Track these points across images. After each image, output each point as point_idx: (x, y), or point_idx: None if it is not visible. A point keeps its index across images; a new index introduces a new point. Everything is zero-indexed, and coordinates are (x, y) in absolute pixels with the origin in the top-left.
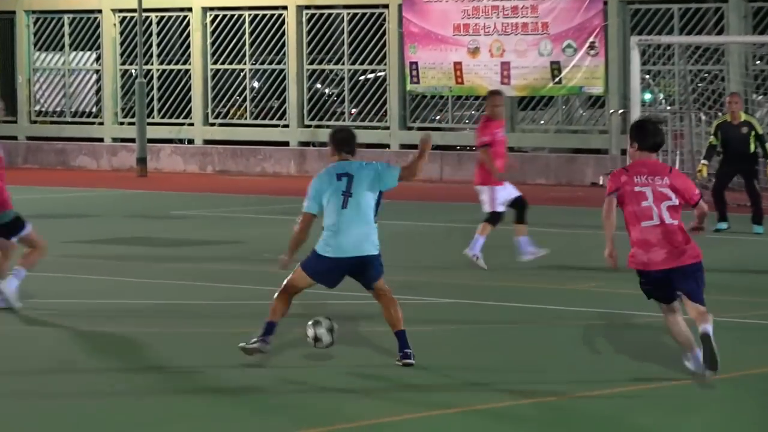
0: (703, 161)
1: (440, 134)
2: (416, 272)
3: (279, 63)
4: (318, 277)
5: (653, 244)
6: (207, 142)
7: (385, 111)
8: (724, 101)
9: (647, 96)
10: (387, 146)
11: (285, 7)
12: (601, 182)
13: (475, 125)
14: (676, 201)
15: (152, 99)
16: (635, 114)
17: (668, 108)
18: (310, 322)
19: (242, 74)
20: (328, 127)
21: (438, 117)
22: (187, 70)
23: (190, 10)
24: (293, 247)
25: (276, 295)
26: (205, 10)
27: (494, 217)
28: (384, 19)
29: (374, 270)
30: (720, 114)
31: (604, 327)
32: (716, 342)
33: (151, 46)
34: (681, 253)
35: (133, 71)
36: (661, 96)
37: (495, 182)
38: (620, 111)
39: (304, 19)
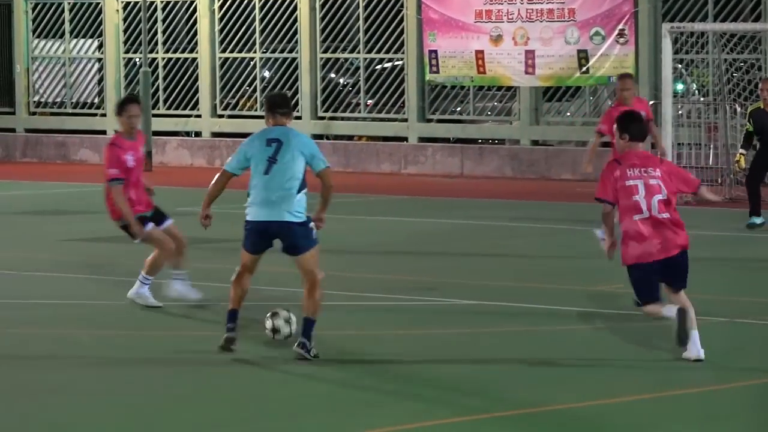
0: (740, 151)
1: (461, 127)
2: (435, 272)
3: (291, 51)
4: (247, 244)
5: (646, 236)
6: (215, 134)
7: (403, 102)
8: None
9: (679, 86)
10: (405, 139)
11: None
12: None
13: (497, 117)
14: (665, 195)
15: (157, 89)
16: (667, 105)
17: (702, 99)
18: (268, 314)
19: (252, 63)
20: (342, 119)
21: (459, 108)
22: (194, 59)
23: None
24: (205, 201)
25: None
26: None
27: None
28: (401, 5)
29: (296, 239)
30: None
31: (628, 330)
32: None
33: (156, 33)
34: (671, 244)
35: (137, 60)
36: (694, 86)
37: None
38: (651, 102)
39: (317, 5)
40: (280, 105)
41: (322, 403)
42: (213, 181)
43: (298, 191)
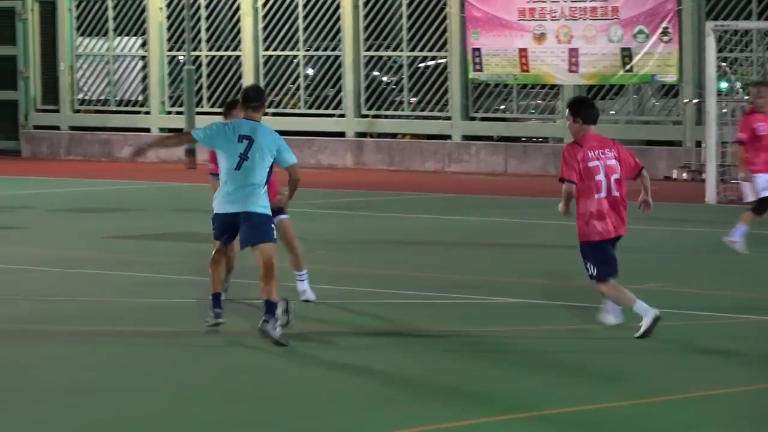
0: None
1: (504, 125)
2: (478, 270)
3: (334, 49)
4: (216, 233)
5: (605, 214)
6: None
7: (446, 100)
8: None
9: (723, 85)
10: (448, 137)
11: None
12: (674, 176)
13: (540, 115)
14: (619, 174)
15: (201, 87)
16: (711, 104)
17: (746, 98)
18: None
19: (296, 61)
20: (386, 117)
21: (502, 107)
22: (237, 57)
23: None
24: (156, 141)
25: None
26: None
27: (761, 205)
28: (445, 3)
29: (258, 228)
30: None
31: (677, 328)
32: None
33: (199, 31)
34: (622, 222)
35: (181, 58)
36: (738, 85)
37: (754, 170)
38: (695, 100)
39: (360, 3)
40: (253, 99)
41: (352, 401)
42: (175, 136)
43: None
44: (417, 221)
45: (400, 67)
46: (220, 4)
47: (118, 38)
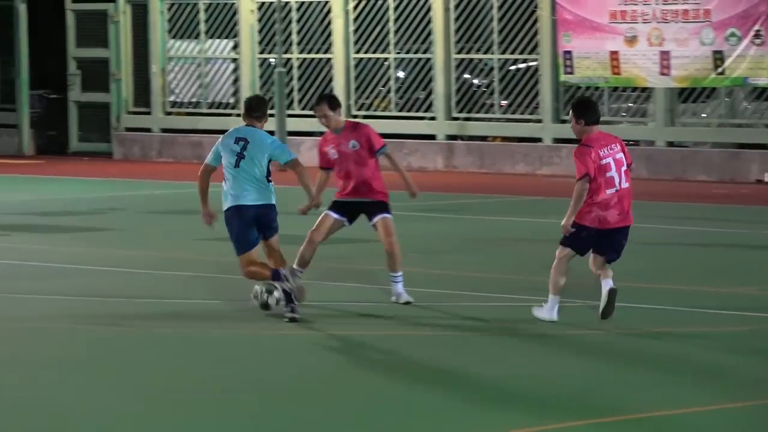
0: None
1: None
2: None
3: (425, 52)
4: (234, 234)
5: (611, 206)
6: None
7: (537, 103)
8: None
9: None
10: (539, 140)
11: None
12: (766, 179)
13: (632, 118)
14: (626, 165)
15: (292, 90)
16: None
17: None
18: (263, 288)
19: (386, 63)
20: (477, 119)
21: None
22: (328, 59)
23: None
24: (201, 199)
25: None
26: None
27: None
28: (536, 6)
29: (273, 222)
30: None
31: (756, 334)
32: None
33: (290, 33)
34: (627, 214)
35: (272, 60)
36: None
37: None
38: None
39: (451, 6)
40: (255, 109)
41: (455, 402)
42: (199, 178)
43: (267, 180)
44: (507, 224)
45: (491, 69)
46: (311, 7)
47: (210, 41)
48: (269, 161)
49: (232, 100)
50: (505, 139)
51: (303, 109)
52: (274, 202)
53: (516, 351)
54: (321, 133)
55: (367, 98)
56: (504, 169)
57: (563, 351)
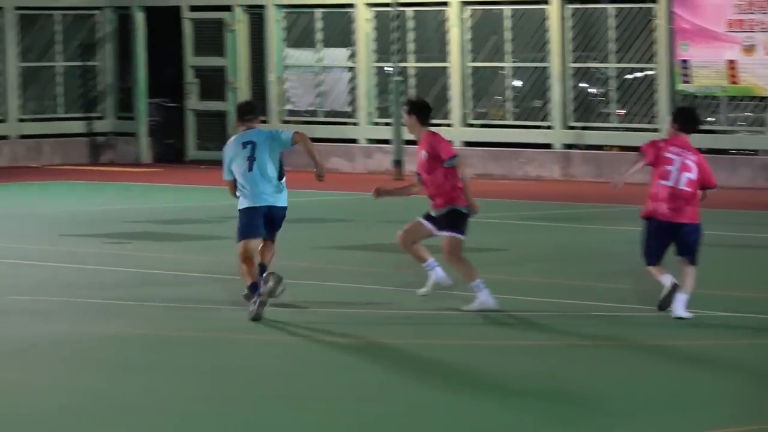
0: None
1: (713, 137)
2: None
3: (541, 61)
4: (245, 229)
5: (663, 199)
6: (466, 143)
7: (654, 112)
8: None
9: None
10: None
11: (548, 2)
12: None
13: (750, 127)
14: (694, 176)
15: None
16: None
17: None
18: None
19: (502, 72)
20: (593, 128)
21: (710, 119)
22: (444, 68)
23: (447, 4)
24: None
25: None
26: (463, 4)
27: None
28: (653, 15)
29: (279, 222)
30: None
31: None
32: None
33: (406, 42)
34: (680, 212)
35: (388, 69)
36: None
37: None
38: None
39: (568, 15)
40: (246, 113)
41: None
42: (231, 194)
43: (279, 179)
44: (624, 233)
45: (608, 78)
46: (428, 16)
47: (326, 49)
48: (281, 153)
49: (348, 109)
50: (622, 148)
51: None
52: (286, 204)
53: (627, 361)
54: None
55: (483, 107)
56: None
57: (681, 361)
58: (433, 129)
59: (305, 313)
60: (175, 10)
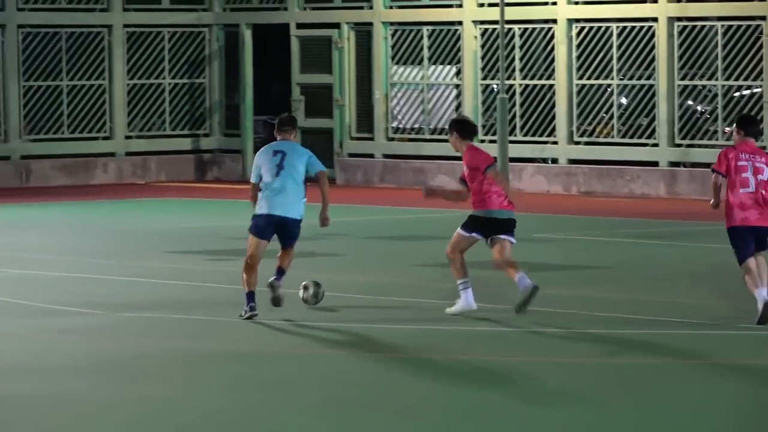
0: None
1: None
2: None
3: (648, 78)
4: (256, 230)
5: (748, 206)
6: (571, 161)
7: (762, 129)
8: None
9: None
10: None
11: (655, 19)
12: None
13: None
14: (766, 176)
15: (514, 116)
16: None
17: None
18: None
19: (609, 90)
20: (700, 146)
21: None
22: (551, 86)
23: (554, 21)
24: (252, 202)
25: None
26: (570, 22)
27: None
28: (761, 32)
29: (293, 233)
30: None
31: None
32: None
33: (513, 59)
34: (762, 216)
35: (495, 86)
36: None
37: None
38: None
39: (675, 32)
40: (285, 124)
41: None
42: (251, 197)
43: (301, 195)
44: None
45: (715, 96)
46: (535, 33)
47: (433, 66)
48: (306, 171)
49: None
50: None
51: (525, 135)
52: (299, 217)
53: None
54: (544, 160)
55: (590, 125)
56: (724, 194)
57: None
58: (473, 143)
59: (403, 330)
60: (283, 28)
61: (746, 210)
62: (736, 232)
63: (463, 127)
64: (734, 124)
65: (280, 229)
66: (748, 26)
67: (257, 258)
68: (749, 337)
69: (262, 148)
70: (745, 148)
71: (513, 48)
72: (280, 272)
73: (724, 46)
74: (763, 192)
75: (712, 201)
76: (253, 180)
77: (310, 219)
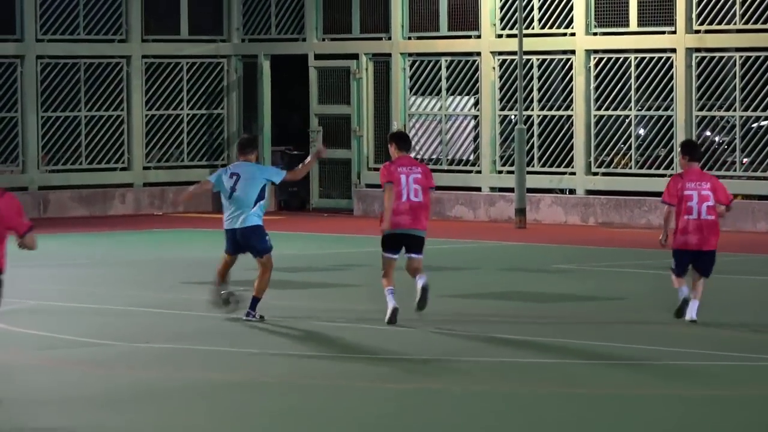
0: None
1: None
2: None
3: (666, 109)
4: (227, 246)
5: (690, 232)
6: (589, 192)
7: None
8: None
9: None
10: None
11: (674, 50)
12: None
13: None
14: (712, 202)
15: (532, 146)
16: None
17: None
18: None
19: (627, 121)
20: (718, 177)
21: None
22: (569, 116)
23: (573, 52)
24: (196, 188)
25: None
26: (588, 52)
27: None
28: None
29: (258, 240)
30: None
31: None
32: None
33: (531, 90)
34: (706, 241)
35: (513, 117)
36: None
37: None
38: None
39: (693, 63)
40: (245, 146)
41: None
42: (198, 186)
43: (255, 204)
44: (746, 282)
45: (733, 126)
46: (553, 64)
47: (451, 97)
48: (264, 186)
49: (471, 157)
50: (746, 196)
51: (543, 166)
52: (255, 224)
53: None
54: (561, 191)
55: (608, 155)
56: (744, 227)
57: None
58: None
59: (421, 361)
60: (301, 58)
61: (687, 234)
62: (677, 254)
63: (397, 140)
64: (679, 149)
65: (245, 242)
66: (766, 57)
67: (229, 264)
68: (759, 368)
69: (221, 169)
70: (692, 176)
71: (531, 79)
72: (255, 301)
73: (742, 77)
74: (707, 218)
75: (660, 237)
76: (209, 177)
77: (331, 249)
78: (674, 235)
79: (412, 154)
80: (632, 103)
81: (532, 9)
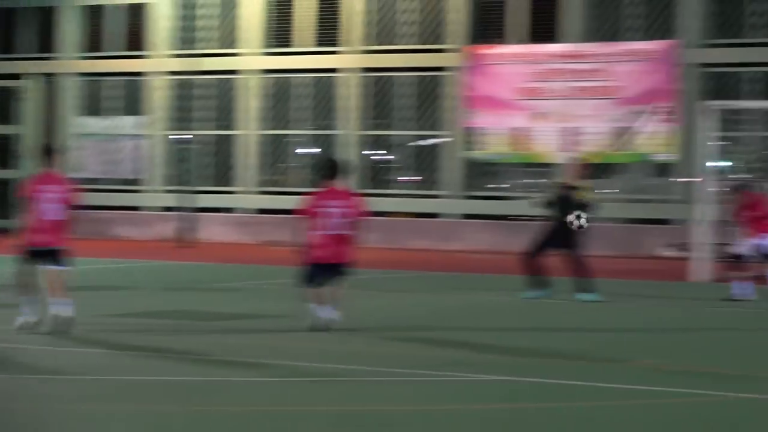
0: None
1: (504, 204)
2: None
3: (332, 128)
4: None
5: (325, 245)
6: (260, 210)
7: (435, 178)
8: None
9: (722, 164)
10: (437, 215)
11: (337, 70)
12: (665, 253)
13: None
14: (349, 218)
15: (202, 165)
16: (703, 182)
17: (744, 176)
18: None
19: (295, 140)
20: (383, 195)
21: (503, 184)
22: (238, 135)
23: (238, 72)
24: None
25: None
26: (256, 72)
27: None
28: (439, 83)
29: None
30: None
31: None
32: None
33: (199, 110)
34: (341, 254)
35: (181, 137)
36: (736, 164)
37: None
38: (695, 179)
39: (360, 83)
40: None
41: None
42: None
43: None
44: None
45: (399, 145)
46: (219, 84)
47: (118, 117)
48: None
49: (139, 177)
50: (409, 214)
51: (208, 185)
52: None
53: None
54: (228, 209)
55: (277, 174)
56: (408, 244)
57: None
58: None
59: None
60: None
61: (324, 248)
62: (313, 267)
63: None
64: (320, 169)
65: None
66: (432, 77)
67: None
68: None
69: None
70: (330, 195)
71: (200, 99)
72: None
73: (410, 97)
74: (343, 233)
75: (293, 247)
76: None
77: None
78: (310, 249)
79: (73, 174)
80: (298, 123)
81: (199, 30)
